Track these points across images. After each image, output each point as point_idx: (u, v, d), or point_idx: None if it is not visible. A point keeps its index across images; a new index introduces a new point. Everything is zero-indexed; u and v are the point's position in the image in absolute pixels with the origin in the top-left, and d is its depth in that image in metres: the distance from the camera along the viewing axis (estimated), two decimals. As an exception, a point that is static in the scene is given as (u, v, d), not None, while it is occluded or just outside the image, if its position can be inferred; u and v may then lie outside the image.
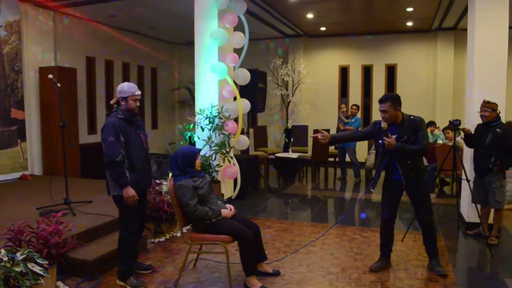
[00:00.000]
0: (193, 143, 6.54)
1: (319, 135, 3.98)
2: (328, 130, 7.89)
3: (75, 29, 8.73)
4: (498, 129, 4.72)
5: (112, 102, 3.82)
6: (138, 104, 3.74)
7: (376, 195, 7.20)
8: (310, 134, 10.14)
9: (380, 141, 3.90)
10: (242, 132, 6.88)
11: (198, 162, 3.84)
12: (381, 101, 3.89)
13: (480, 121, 4.96)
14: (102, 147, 3.59)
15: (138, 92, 3.73)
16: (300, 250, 4.56)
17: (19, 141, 7.32)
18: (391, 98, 3.88)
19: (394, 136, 3.82)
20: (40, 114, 7.69)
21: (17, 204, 5.35)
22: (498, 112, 4.80)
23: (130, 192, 3.59)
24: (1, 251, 3.13)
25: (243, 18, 6.54)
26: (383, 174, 4.13)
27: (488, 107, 4.77)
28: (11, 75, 7.19)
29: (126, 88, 3.68)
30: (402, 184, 3.94)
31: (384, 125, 3.89)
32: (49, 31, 7.96)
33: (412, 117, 3.91)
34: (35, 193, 5.95)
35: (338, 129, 9.00)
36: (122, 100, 3.68)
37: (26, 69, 7.45)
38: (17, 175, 7.13)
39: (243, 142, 6.82)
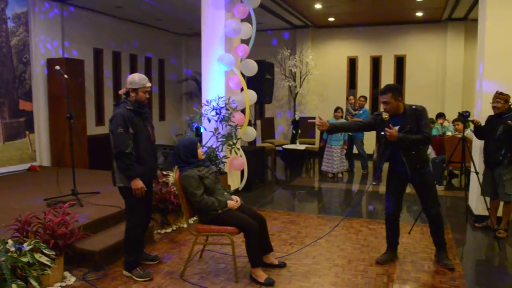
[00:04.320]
0: (199, 135, 6.53)
1: (317, 121, 3.95)
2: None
3: (82, 20, 8.73)
4: (509, 121, 4.66)
5: (121, 92, 3.81)
6: (148, 96, 3.74)
7: (384, 187, 7.16)
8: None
9: (382, 133, 3.86)
10: (249, 124, 6.86)
11: (200, 151, 3.83)
12: (382, 92, 3.87)
13: (490, 112, 4.89)
14: (110, 138, 3.59)
15: (149, 84, 3.74)
16: (306, 242, 4.56)
17: (27, 132, 7.36)
18: (392, 88, 3.86)
19: (397, 127, 3.78)
20: (48, 105, 7.73)
21: (26, 195, 5.40)
22: (510, 103, 4.73)
23: (138, 183, 3.59)
24: (9, 242, 3.17)
25: (251, 9, 6.48)
26: (387, 166, 4.09)
27: (501, 98, 4.72)
28: (19, 66, 7.22)
29: (137, 79, 3.67)
30: (406, 176, 3.92)
31: (385, 115, 3.86)
32: (56, 22, 7.96)
33: (414, 106, 3.88)
34: (43, 184, 6.00)
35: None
36: (132, 91, 3.67)
37: (34, 61, 7.47)
38: (25, 166, 7.19)
39: (250, 133, 6.80)
